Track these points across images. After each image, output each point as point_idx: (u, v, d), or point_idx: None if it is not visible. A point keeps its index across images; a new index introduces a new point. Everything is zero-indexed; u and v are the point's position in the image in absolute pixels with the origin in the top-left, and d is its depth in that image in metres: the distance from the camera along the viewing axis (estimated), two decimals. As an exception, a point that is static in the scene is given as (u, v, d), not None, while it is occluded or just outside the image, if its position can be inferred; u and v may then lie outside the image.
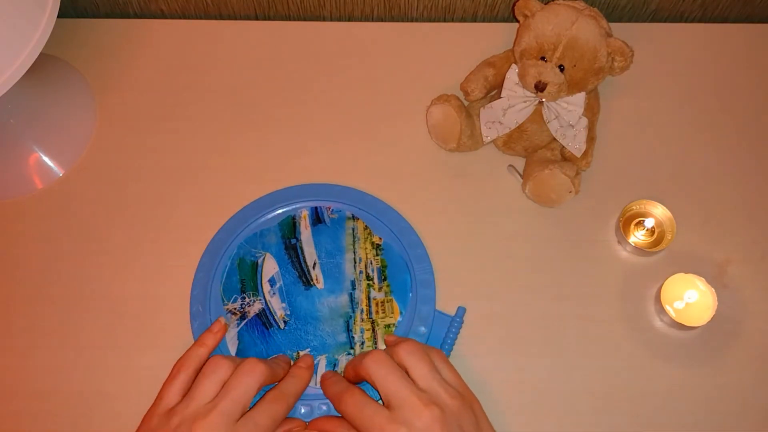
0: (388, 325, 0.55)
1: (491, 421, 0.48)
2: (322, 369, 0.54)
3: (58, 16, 0.55)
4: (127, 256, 0.59)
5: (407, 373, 0.47)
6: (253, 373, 0.48)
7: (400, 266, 0.57)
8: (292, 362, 0.53)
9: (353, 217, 0.59)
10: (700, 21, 0.72)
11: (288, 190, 0.60)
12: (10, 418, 0.53)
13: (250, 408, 0.47)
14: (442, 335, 0.54)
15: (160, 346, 0.55)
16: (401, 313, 0.56)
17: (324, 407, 0.52)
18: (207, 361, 0.49)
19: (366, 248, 0.58)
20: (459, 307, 0.55)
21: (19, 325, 0.56)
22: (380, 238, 0.58)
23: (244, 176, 0.61)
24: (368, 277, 0.57)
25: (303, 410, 0.52)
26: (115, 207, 0.61)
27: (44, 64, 0.63)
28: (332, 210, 0.59)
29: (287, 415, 0.49)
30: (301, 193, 0.60)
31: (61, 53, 0.67)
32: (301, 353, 0.54)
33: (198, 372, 0.49)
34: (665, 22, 0.72)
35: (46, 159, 0.62)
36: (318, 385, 0.53)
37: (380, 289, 0.56)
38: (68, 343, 0.56)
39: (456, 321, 0.54)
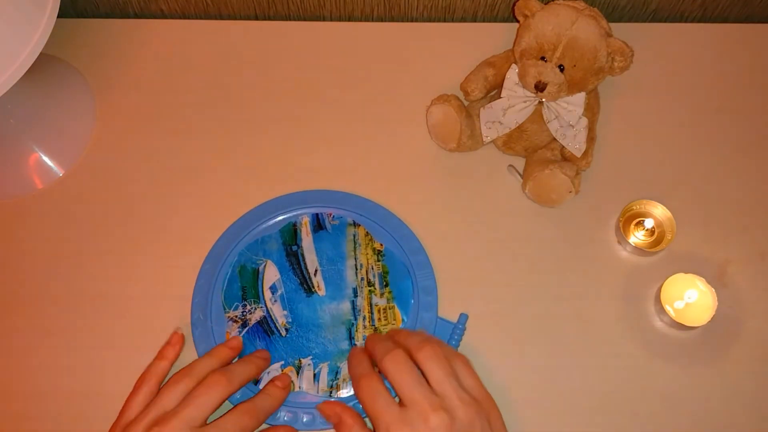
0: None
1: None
2: (324, 377, 0.54)
3: (58, 16, 0.55)
4: (128, 257, 0.59)
5: (425, 375, 0.47)
6: (217, 386, 0.48)
7: (401, 272, 0.57)
8: (269, 357, 0.53)
9: (354, 224, 0.59)
10: (700, 21, 0.72)
11: (289, 196, 0.60)
12: (10, 418, 0.53)
13: (219, 417, 0.47)
14: (444, 342, 0.54)
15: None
16: (403, 320, 0.55)
17: (306, 417, 0.52)
18: (175, 373, 0.50)
19: (367, 254, 0.58)
20: (461, 314, 0.55)
21: (19, 325, 0.56)
22: (381, 245, 0.58)
23: (244, 178, 0.61)
24: (370, 284, 0.57)
25: (286, 417, 0.52)
26: (114, 207, 0.60)
27: (44, 64, 0.63)
28: (333, 216, 0.59)
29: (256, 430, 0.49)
30: (302, 200, 0.60)
31: (61, 53, 0.66)
32: (303, 361, 0.54)
33: (160, 385, 0.50)
34: (665, 22, 0.72)
35: (46, 159, 0.62)
36: (303, 389, 0.53)
37: (382, 295, 0.56)
38: (68, 344, 0.56)
39: (458, 328, 0.54)
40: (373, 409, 0.46)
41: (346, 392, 0.53)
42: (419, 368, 0.47)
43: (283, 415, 0.52)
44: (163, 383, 0.50)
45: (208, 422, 0.47)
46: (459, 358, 0.49)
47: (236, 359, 0.54)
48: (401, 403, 0.46)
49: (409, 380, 0.46)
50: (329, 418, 0.50)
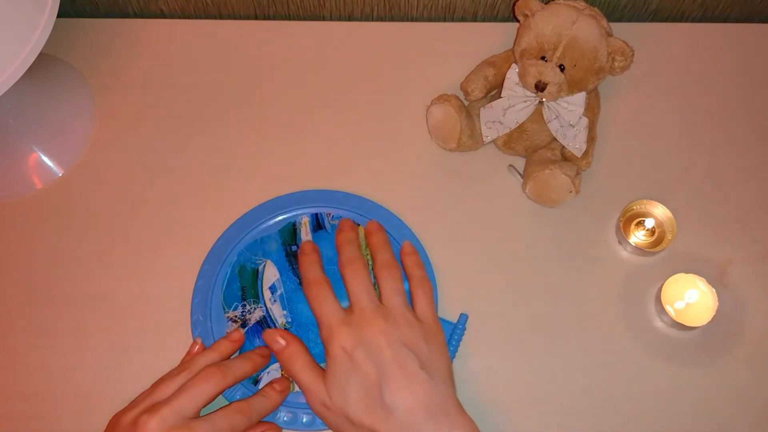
0: None
1: (491, 418, 0.48)
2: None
3: (58, 16, 0.55)
4: (127, 257, 0.59)
5: (378, 286, 0.52)
6: (212, 379, 0.48)
7: (401, 272, 0.57)
8: (269, 355, 0.53)
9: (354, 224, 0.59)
10: (700, 21, 0.72)
11: (288, 196, 0.60)
12: (10, 418, 0.53)
13: (211, 412, 0.48)
14: (446, 339, 0.54)
15: (160, 348, 0.55)
16: None
17: (306, 418, 0.52)
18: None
19: (367, 255, 0.57)
20: (461, 314, 0.55)
21: (19, 325, 0.56)
22: None
23: (244, 178, 0.61)
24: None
25: (285, 418, 0.52)
26: (114, 207, 0.60)
27: (44, 64, 0.63)
28: (333, 216, 0.59)
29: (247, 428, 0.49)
30: (302, 200, 0.59)
31: (60, 53, 0.66)
32: None
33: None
34: (666, 21, 0.72)
35: (45, 159, 0.62)
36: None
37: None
38: (68, 344, 0.56)
39: (458, 328, 0.54)
40: (320, 311, 0.50)
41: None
42: (375, 277, 0.52)
43: (283, 416, 0.52)
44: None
45: (201, 415, 0.47)
46: (422, 285, 0.53)
47: (238, 353, 0.54)
48: (349, 309, 0.50)
49: (361, 288, 0.50)
50: (270, 344, 0.51)
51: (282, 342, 0.51)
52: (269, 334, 0.51)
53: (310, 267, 0.53)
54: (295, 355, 0.50)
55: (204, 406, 0.48)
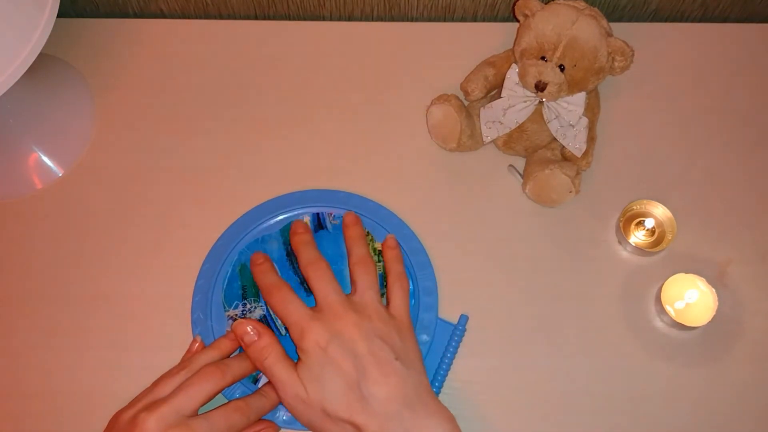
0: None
1: (491, 418, 0.48)
2: None
3: (58, 16, 0.55)
4: (127, 257, 0.59)
5: (351, 281, 0.51)
6: (211, 378, 0.48)
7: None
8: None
9: None
10: (700, 21, 0.72)
11: (290, 195, 0.60)
12: (9, 418, 0.53)
13: (210, 410, 0.48)
14: (444, 343, 0.54)
15: (161, 347, 0.55)
16: None
17: None
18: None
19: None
20: (461, 315, 0.55)
21: (19, 325, 0.56)
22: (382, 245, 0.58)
23: (244, 177, 0.61)
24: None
25: (285, 417, 0.52)
26: (114, 207, 0.60)
27: (44, 64, 0.63)
28: (334, 216, 0.59)
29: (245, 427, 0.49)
30: (303, 199, 0.59)
31: (60, 53, 0.66)
32: None
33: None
34: (666, 21, 0.72)
35: (45, 159, 0.62)
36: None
37: (382, 296, 0.56)
38: (68, 344, 0.56)
39: (458, 329, 0.54)
40: (286, 314, 0.49)
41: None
42: (350, 272, 0.52)
43: (282, 415, 0.52)
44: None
45: (199, 413, 0.47)
46: (399, 279, 0.53)
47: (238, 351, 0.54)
48: (317, 307, 0.49)
49: (327, 286, 0.50)
50: (240, 336, 0.50)
51: (252, 334, 0.50)
52: (239, 325, 0.50)
53: (265, 275, 0.53)
54: (267, 348, 0.49)
55: (203, 405, 0.48)
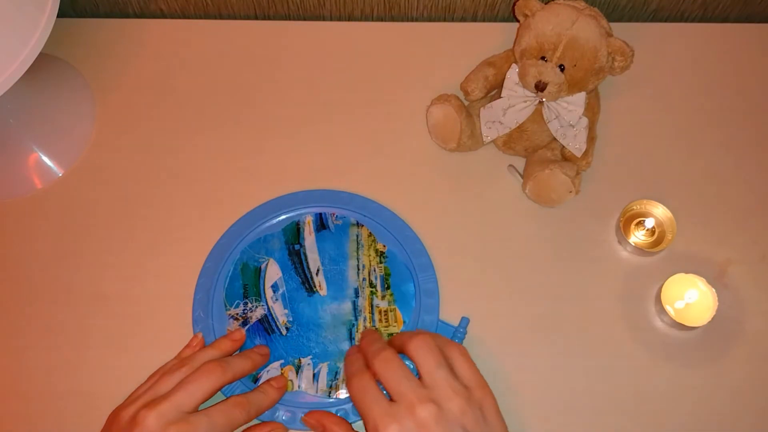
0: (391, 334, 0.55)
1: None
2: (323, 377, 0.54)
3: (58, 16, 0.55)
4: (128, 256, 0.59)
5: (416, 367, 0.47)
6: (211, 374, 0.48)
7: (404, 274, 0.57)
8: (268, 354, 0.54)
9: (357, 224, 0.59)
10: (700, 21, 0.72)
11: (292, 195, 0.60)
12: (9, 418, 0.53)
13: (210, 406, 0.48)
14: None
15: (161, 347, 0.55)
16: (404, 322, 0.55)
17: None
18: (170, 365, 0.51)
19: (370, 255, 0.58)
20: (462, 318, 0.55)
21: (19, 325, 0.56)
22: (384, 246, 0.58)
23: (246, 177, 0.61)
24: (371, 285, 0.57)
25: (284, 417, 0.52)
26: (114, 207, 0.60)
27: (44, 64, 0.63)
28: (336, 216, 0.59)
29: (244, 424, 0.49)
30: (306, 199, 0.59)
31: (60, 53, 0.66)
32: (303, 360, 0.54)
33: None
34: (666, 21, 0.72)
35: (45, 159, 0.62)
36: (302, 389, 0.53)
37: (383, 297, 0.56)
38: (69, 343, 0.56)
39: (459, 331, 0.54)
40: (362, 405, 0.46)
41: (344, 393, 0.53)
42: (411, 360, 0.47)
43: (281, 414, 0.52)
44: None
45: (199, 410, 0.48)
46: (455, 347, 0.48)
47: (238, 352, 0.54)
48: (391, 400, 0.45)
49: (396, 375, 0.46)
50: (314, 428, 0.50)
51: None
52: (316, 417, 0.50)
53: (352, 361, 0.50)
54: None
55: (203, 402, 0.48)
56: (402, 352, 0.48)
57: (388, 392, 0.46)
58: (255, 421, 0.51)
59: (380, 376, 0.47)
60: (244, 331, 0.55)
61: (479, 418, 0.45)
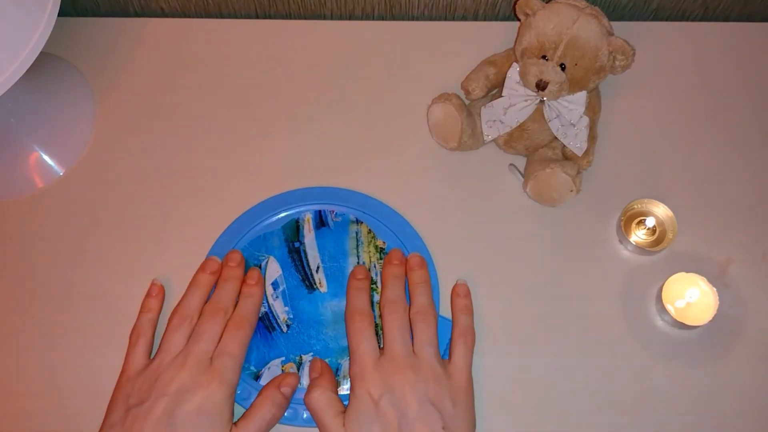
0: None
1: (491, 418, 0.48)
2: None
3: (59, 15, 0.55)
4: (128, 257, 0.59)
5: (412, 332, 0.51)
6: (216, 317, 0.51)
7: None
8: (261, 276, 0.56)
9: (357, 221, 0.59)
10: (701, 20, 0.72)
11: (291, 193, 0.60)
12: (9, 418, 0.53)
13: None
14: (446, 340, 0.53)
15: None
16: None
17: (307, 414, 0.52)
18: (170, 318, 0.53)
19: (370, 252, 0.58)
20: None
21: (19, 325, 0.56)
22: (384, 242, 0.58)
23: (245, 176, 0.61)
24: (372, 282, 0.57)
25: (306, 415, 0.52)
26: (115, 207, 0.60)
27: (44, 63, 0.63)
28: (336, 213, 0.59)
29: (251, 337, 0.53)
30: (305, 197, 0.59)
31: (61, 52, 0.66)
32: (304, 357, 0.54)
33: (153, 335, 0.53)
34: (667, 20, 0.72)
35: (46, 158, 0.62)
36: (303, 386, 0.53)
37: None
38: (68, 343, 0.56)
39: None
40: (357, 347, 0.50)
41: (346, 389, 0.53)
42: (410, 321, 0.52)
43: (302, 413, 0.52)
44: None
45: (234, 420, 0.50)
46: (465, 335, 0.52)
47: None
48: (383, 351, 0.50)
49: (397, 334, 0.50)
50: (314, 370, 0.52)
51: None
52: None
53: (358, 294, 0.53)
54: (321, 392, 0.50)
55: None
56: (410, 294, 0.53)
57: (384, 341, 0.51)
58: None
59: (384, 324, 0.51)
60: (157, 282, 0.56)
61: (449, 406, 0.48)
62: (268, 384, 0.52)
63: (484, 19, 0.71)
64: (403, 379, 0.48)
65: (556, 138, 0.58)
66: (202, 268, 0.55)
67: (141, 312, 0.54)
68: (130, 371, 0.51)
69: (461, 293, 0.55)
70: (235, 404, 0.51)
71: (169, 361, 0.49)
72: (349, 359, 0.51)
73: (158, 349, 0.51)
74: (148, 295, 0.55)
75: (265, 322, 0.55)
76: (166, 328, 0.52)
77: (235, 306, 0.53)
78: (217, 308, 0.52)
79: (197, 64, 0.66)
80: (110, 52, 0.67)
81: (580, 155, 0.57)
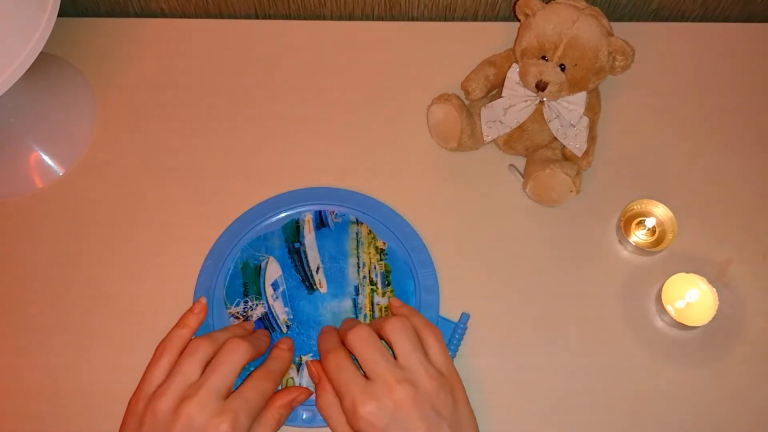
0: None
1: (491, 418, 0.48)
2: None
3: (59, 15, 0.55)
4: (128, 256, 0.59)
5: (392, 348, 0.48)
6: (238, 351, 0.48)
7: (404, 271, 0.57)
8: (270, 336, 0.54)
9: (357, 222, 0.59)
10: (701, 20, 0.72)
11: (292, 193, 0.60)
12: (9, 418, 0.53)
13: (237, 386, 0.48)
14: (446, 341, 0.53)
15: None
16: None
17: (306, 415, 0.52)
18: (188, 342, 0.50)
19: (370, 253, 0.58)
20: (463, 314, 0.55)
21: (19, 325, 0.56)
22: (384, 243, 0.58)
23: (245, 177, 0.61)
24: (372, 282, 0.57)
25: (305, 416, 0.52)
26: (115, 207, 0.60)
27: (44, 63, 0.63)
28: (336, 214, 0.59)
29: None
30: (305, 197, 0.60)
31: (61, 52, 0.66)
32: (303, 358, 0.54)
33: (179, 353, 0.49)
34: (666, 21, 0.72)
35: (46, 158, 0.62)
36: (309, 388, 0.53)
37: (384, 294, 0.56)
38: (69, 343, 0.56)
39: (459, 327, 0.54)
40: (338, 382, 0.47)
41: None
42: (387, 342, 0.48)
43: (302, 414, 0.52)
44: None
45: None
46: (430, 332, 0.49)
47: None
48: (366, 377, 0.46)
49: (372, 354, 0.47)
50: (312, 375, 0.51)
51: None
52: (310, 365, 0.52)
53: (326, 338, 0.51)
54: (331, 404, 0.48)
55: (234, 381, 0.47)
56: (379, 333, 0.49)
57: (363, 369, 0.47)
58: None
59: (356, 353, 0.47)
60: (204, 300, 0.55)
61: (450, 403, 0.46)
62: (280, 394, 0.50)
63: (484, 20, 0.71)
64: (401, 397, 0.45)
65: (555, 138, 0.58)
66: (241, 324, 0.55)
67: (176, 326, 0.52)
68: (146, 390, 0.48)
69: (397, 304, 0.54)
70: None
71: (182, 389, 0.46)
72: (339, 397, 0.47)
73: (171, 373, 0.48)
74: (189, 310, 0.54)
75: (265, 323, 0.55)
76: (183, 351, 0.49)
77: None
78: (241, 344, 0.48)
79: (197, 64, 0.66)
80: (110, 52, 0.67)
81: (579, 156, 0.57)
